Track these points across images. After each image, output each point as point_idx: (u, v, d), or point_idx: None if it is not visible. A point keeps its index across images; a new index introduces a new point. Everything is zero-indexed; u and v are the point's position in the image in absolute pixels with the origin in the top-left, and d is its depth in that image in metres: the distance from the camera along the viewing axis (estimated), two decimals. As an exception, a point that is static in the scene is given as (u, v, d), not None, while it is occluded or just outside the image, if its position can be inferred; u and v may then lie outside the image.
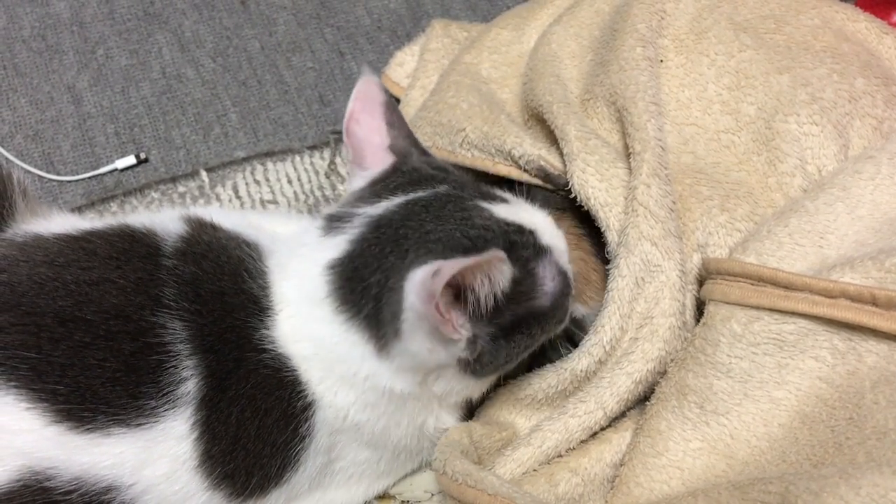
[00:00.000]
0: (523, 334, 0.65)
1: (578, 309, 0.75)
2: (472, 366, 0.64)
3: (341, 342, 0.62)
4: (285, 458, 0.64)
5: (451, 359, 0.62)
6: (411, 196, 0.65)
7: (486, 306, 0.60)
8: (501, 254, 0.58)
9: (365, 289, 0.61)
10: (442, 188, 0.66)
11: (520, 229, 0.64)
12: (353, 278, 0.62)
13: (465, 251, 0.60)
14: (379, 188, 0.67)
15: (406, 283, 0.57)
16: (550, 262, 0.65)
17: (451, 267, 0.54)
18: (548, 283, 0.64)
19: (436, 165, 0.71)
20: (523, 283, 0.63)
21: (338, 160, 1.00)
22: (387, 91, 0.70)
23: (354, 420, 0.65)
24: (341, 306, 0.62)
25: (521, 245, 0.63)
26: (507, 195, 0.70)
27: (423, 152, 0.72)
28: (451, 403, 0.70)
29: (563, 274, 0.66)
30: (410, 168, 0.69)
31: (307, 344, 0.64)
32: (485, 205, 0.65)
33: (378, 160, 0.70)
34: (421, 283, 0.55)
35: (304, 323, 0.64)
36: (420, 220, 0.62)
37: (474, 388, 0.69)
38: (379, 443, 0.68)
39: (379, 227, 0.63)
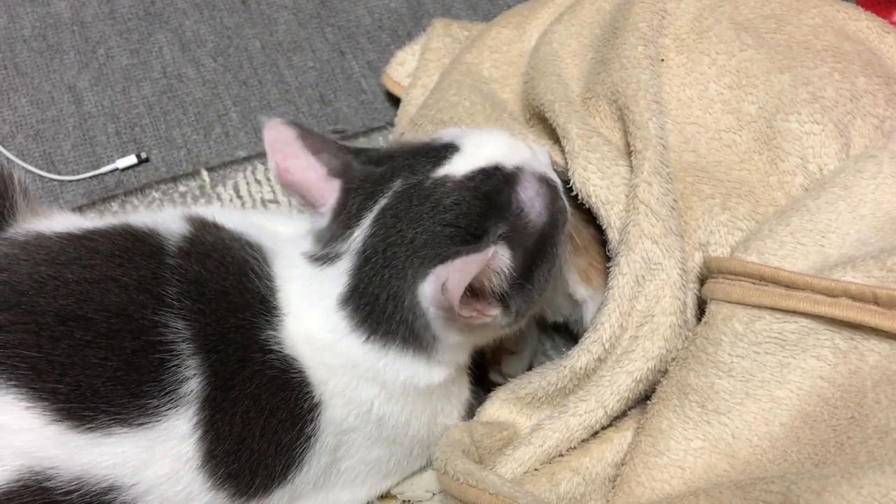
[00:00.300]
0: (543, 260, 0.65)
1: (580, 291, 0.75)
2: (515, 319, 0.66)
3: (378, 361, 0.64)
4: (290, 457, 0.63)
5: (494, 328, 0.66)
6: (376, 210, 0.64)
7: (502, 283, 0.62)
8: (491, 249, 0.59)
9: (388, 317, 0.63)
10: (397, 184, 0.65)
11: (484, 174, 0.64)
12: (372, 312, 0.63)
13: (452, 240, 0.61)
14: (343, 219, 0.66)
15: (421, 301, 0.61)
16: (527, 180, 0.64)
17: (456, 286, 0.56)
18: (537, 203, 0.64)
19: (377, 159, 0.68)
20: (518, 224, 0.63)
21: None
22: (291, 122, 0.67)
23: (379, 413, 0.66)
24: (372, 336, 0.63)
25: (494, 192, 0.63)
26: (450, 135, 0.68)
27: (357, 152, 0.70)
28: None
29: (544, 180, 0.65)
30: (359, 182, 0.67)
31: (331, 357, 0.64)
32: (441, 172, 0.64)
33: (327, 192, 0.67)
34: (432, 297, 0.59)
35: (330, 349, 0.64)
36: (398, 232, 0.63)
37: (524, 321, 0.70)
38: (398, 437, 0.69)
39: (368, 259, 0.63)
